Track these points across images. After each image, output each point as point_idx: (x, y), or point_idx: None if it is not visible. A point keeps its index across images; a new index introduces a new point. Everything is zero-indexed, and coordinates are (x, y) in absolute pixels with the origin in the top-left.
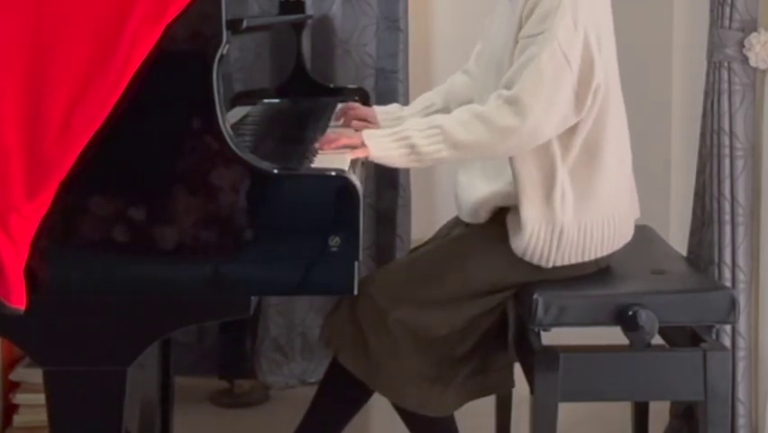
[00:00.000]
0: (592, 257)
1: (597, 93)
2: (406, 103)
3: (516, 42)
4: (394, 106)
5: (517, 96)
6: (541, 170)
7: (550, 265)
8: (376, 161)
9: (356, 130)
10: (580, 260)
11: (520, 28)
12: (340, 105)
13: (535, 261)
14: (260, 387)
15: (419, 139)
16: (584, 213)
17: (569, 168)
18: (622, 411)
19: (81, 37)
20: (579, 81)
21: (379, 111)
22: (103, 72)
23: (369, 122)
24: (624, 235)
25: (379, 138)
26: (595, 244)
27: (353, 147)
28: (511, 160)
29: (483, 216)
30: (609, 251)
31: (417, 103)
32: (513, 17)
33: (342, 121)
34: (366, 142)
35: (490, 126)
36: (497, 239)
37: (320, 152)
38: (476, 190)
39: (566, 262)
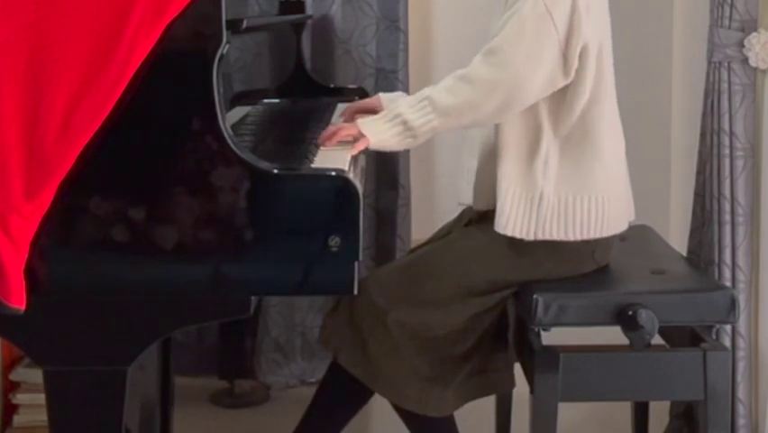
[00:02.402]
0: (577, 237)
1: (585, 56)
2: None
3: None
4: (399, 94)
5: (496, 47)
6: (526, 133)
7: (531, 237)
8: (376, 147)
9: None
10: (563, 237)
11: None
12: (344, 106)
13: (517, 234)
14: (260, 387)
15: (410, 114)
16: (568, 186)
17: (560, 141)
18: (622, 411)
19: (81, 37)
20: (565, 38)
21: (384, 98)
22: (103, 72)
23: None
24: (613, 224)
25: (374, 123)
26: (579, 222)
27: (353, 138)
28: (498, 124)
29: (483, 200)
30: (596, 235)
31: None
32: None
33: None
34: (363, 131)
35: (473, 83)
36: (495, 238)
37: (321, 147)
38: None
39: (548, 237)
